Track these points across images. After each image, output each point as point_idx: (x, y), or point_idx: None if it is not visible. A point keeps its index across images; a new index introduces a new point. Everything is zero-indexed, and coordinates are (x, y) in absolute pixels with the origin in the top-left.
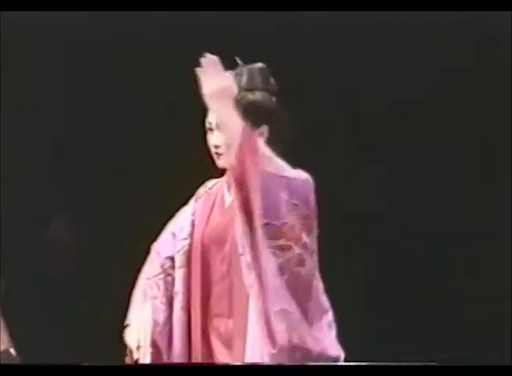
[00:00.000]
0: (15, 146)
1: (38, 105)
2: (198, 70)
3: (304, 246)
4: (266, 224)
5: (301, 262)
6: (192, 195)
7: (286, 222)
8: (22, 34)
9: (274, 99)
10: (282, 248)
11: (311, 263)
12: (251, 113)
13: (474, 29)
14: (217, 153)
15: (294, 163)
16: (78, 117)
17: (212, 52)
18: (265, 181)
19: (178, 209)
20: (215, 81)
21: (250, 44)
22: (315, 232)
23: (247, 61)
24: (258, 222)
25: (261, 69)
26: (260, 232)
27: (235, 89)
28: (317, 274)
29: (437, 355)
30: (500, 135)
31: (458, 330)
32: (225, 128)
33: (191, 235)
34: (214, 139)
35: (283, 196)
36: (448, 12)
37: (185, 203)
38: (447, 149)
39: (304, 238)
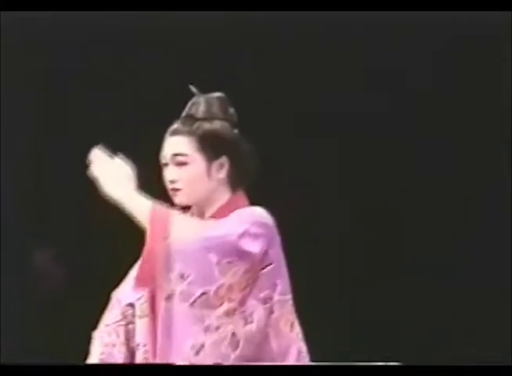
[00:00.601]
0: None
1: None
2: (90, 169)
3: (245, 303)
4: (202, 294)
5: (249, 318)
6: None
7: (221, 285)
8: (22, 34)
9: (235, 130)
10: (227, 314)
11: (263, 312)
12: (208, 144)
13: (474, 29)
14: (173, 189)
15: (257, 195)
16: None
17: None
18: (183, 251)
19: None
20: (108, 169)
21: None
22: (268, 277)
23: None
24: (183, 298)
25: (219, 98)
26: (181, 309)
27: (130, 171)
28: (273, 323)
29: (437, 355)
30: (500, 136)
31: (458, 330)
32: (132, 211)
33: None
34: (169, 174)
35: (212, 258)
36: (448, 12)
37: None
38: (447, 149)
39: (249, 290)
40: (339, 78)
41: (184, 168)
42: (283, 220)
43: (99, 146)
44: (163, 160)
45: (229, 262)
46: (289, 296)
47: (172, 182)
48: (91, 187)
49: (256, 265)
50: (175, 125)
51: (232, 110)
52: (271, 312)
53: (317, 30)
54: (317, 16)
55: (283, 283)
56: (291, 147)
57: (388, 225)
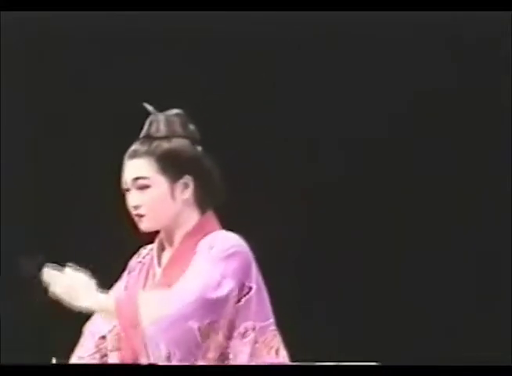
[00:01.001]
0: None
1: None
2: (49, 291)
3: (227, 347)
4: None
5: (225, 361)
6: (125, 268)
7: (207, 348)
8: (22, 34)
9: (198, 147)
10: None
11: (242, 348)
12: (169, 163)
13: (474, 29)
14: (138, 215)
15: (226, 215)
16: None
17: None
18: (160, 331)
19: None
20: (64, 285)
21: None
22: (245, 308)
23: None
24: None
25: (178, 115)
26: None
27: (84, 276)
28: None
29: (437, 355)
30: (500, 136)
31: (458, 330)
32: (102, 313)
33: None
34: (131, 199)
35: (193, 325)
36: (447, 12)
37: (118, 277)
38: (447, 149)
39: (228, 335)
40: (338, 78)
41: (146, 191)
42: (278, 222)
43: (48, 264)
44: (124, 186)
45: (211, 323)
46: (270, 321)
47: (136, 207)
48: (90, 187)
49: (234, 303)
50: (133, 147)
51: (192, 127)
52: (254, 342)
53: (317, 30)
54: (317, 16)
55: (263, 309)
56: (291, 148)
57: (388, 225)
